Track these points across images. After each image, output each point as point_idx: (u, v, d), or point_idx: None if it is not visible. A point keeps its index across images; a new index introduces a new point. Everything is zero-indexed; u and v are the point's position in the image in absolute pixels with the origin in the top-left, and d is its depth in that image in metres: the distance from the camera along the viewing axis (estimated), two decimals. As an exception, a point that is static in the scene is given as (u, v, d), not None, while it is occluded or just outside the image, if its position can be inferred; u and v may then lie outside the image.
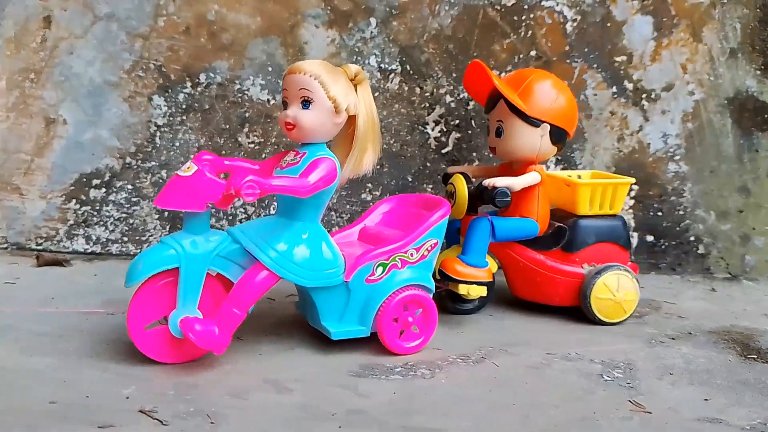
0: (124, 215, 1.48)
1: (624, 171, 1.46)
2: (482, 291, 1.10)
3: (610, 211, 1.20)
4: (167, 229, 1.48)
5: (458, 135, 1.48)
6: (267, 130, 1.48)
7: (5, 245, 1.47)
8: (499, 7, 1.46)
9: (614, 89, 1.47)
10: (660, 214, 1.49)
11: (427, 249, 1.02)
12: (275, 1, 1.47)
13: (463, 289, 1.09)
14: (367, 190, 1.49)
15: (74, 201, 1.47)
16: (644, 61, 1.47)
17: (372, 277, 0.98)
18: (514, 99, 1.14)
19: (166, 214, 1.48)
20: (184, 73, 1.48)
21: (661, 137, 1.48)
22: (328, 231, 1.03)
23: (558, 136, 1.17)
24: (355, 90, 0.99)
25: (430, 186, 1.48)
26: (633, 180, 1.24)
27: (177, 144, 1.48)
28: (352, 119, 0.99)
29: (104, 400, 0.82)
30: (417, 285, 1.00)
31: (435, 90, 1.48)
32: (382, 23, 1.47)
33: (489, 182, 1.12)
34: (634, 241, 1.48)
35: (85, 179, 1.47)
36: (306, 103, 0.94)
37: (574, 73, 1.47)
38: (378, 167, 1.46)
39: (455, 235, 1.21)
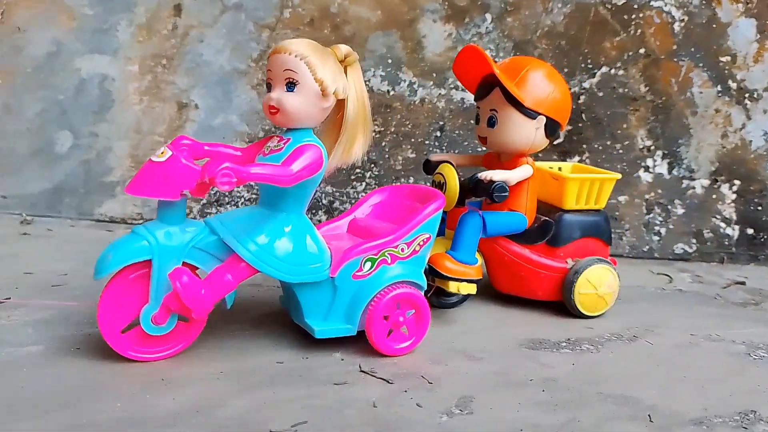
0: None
1: (727, 167, 1.54)
2: (472, 288, 1.06)
3: (595, 206, 1.18)
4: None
5: (569, 127, 1.55)
6: (387, 120, 1.56)
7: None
8: (609, 6, 1.53)
9: (719, 88, 1.54)
10: (760, 208, 1.57)
11: (419, 244, 0.96)
12: (395, -5, 1.54)
13: (453, 287, 1.05)
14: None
15: (205, 182, 1.55)
16: (747, 61, 1.54)
17: (360, 273, 0.92)
18: (513, 89, 1.09)
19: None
20: (308, 62, 1.55)
21: (762, 135, 1.55)
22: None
23: (552, 129, 1.13)
24: (345, 73, 0.92)
25: (542, 176, 1.55)
26: (619, 175, 1.21)
27: (301, 130, 1.56)
28: (341, 104, 0.92)
29: (322, 361, 0.90)
30: (408, 282, 0.95)
31: (547, 84, 1.55)
32: (497, 19, 1.54)
33: (485, 175, 1.07)
34: (735, 233, 1.56)
35: (215, 162, 1.55)
36: (291, 86, 0.87)
37: (680, 71, 1.54)
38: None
39: (439, 227, 1.14)
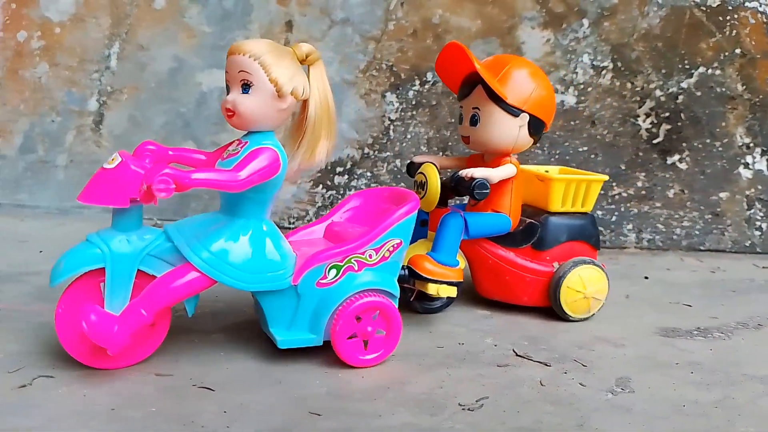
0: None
1: (826, 160, 1.57)
2: (452, 291, 1.03)
3: (582, 208, 1.15)
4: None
5: (668, 126, 1.60)
6: (490, 123, 1.63)
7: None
8: (704, 8, 1.58)
9: (816, 84, 1.58)
10: None
11: (388, 250, 0.91)
12: (494, 4, 1.61)
13: (432, 289, 1.01)
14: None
15: (321, 186, 1.65)
16: (844, 57, 1.57)
17: (324, 281, 0.88)
18: (495, 85, 1.05)
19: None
20: (412, 72, 1.63)
21: None
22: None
23: (536, 127, 1.09)
24: (308, 73, 0.89)
25: (643, 174, 1.61)
26: (606, 177, 1.18)
27: (408, 136, 1.64)
28: (306, 105, 0.89)
29: (478, 347, 0.97)
30: (377, 290, 0.90)
31: (645, 85, 1.60)
32: (593, 24, 1.60)
33: (466, 173, 1.04)
34: (836, 225, 1.59)
35: (329, 167, 1.64)
36: (246, 87, 0.84)
37: (778, 69, 1.58)
38: (591, 156, 1.61)
39: (420, 228, 1.13)
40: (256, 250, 0.85)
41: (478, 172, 1.04)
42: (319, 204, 1.65)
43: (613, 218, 1.61)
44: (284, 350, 0.90)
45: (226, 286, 0.84)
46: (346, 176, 1.64)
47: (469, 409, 0.79)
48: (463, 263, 1.08)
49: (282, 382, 0.84)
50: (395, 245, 0.91)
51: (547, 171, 1.22)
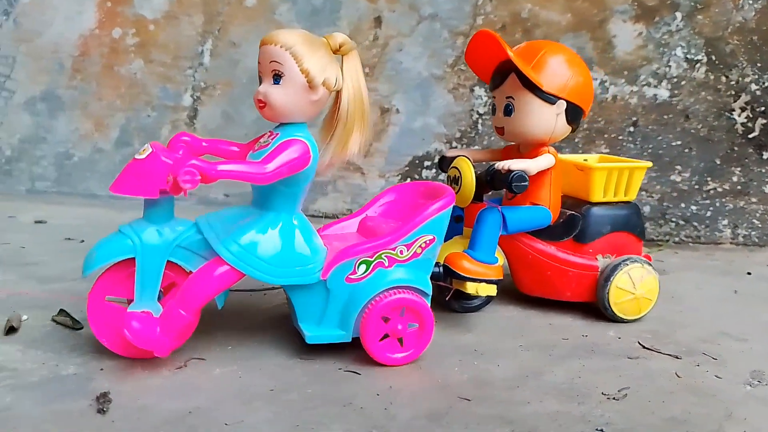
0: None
1: None
2: (492, 290, 0.98)
3: (624, 197, 1.09)
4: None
5: (764, 121, 1.58)
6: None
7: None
8: (803, 0, 1.55)
9: None
10: None
11: (420, 246, 0.88)
12: (584, -2, 1.61)
13: (471, 288, 0.97)
14: (677, 171, 1.60)
15: (408, 180, 1.67)
16: None
17: (353, 276, 0.86)
18: (529, 72, 1.01)
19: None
20: (501, 66, 1.64)
21: None
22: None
23: (574, 114, 1.04)
24: (342, 64, 0.86)
25: (738, 169, 1.58)
26: (650, 164, 1.12)
27: (497, 130, 1.65)
28: (339, 97, 0.87)
29: (601, 339, 0.98)
30: (409, 288, 0.87)
31: (740, 79, 1.58)
32: (687, 17, 1.59)
33: (502, 165, 0.99)
34: None
35: (417, 161, 1.66)
36: (277, 78, 0.82)
37: None
38: (685, 151, 1.59)
39: (456, 225, 1.08)
40: (285, 244, 0.84)
41: (515, 164, 0.99)
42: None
43: (708, 213, 1.59)
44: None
45: (254, 279, 0.83)
46: (434, 170, 1.65)
47: (614, 399, 0.80)
48: (501, 259, 1.04)
49: (422, 368, 0.86)
50: (428, 241, 0.89)
51: (585, 160, 1.17)
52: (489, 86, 1.11)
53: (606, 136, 1.62)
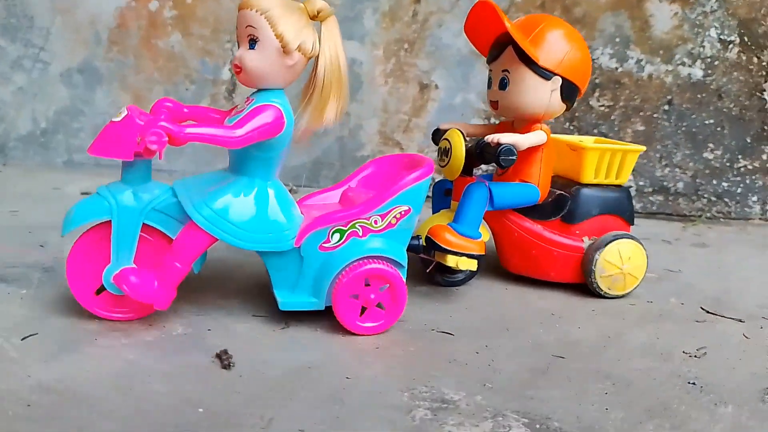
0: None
1: None
2: (472, 264, 0.98)
3: (616, 180, 1.08)
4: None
5: (795, 101, 1.63)
6: (616, 95, 1.66)
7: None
8: (834, -17, 1.60)
9: None
10: None
11: (395, 216, 0.87)
12: (622, -22, 1.64)
13: (451, 261, 0.97)
14: (709, 149, 1.65)
15: (449, 155, 1.70)
16: None
17: (327, 245, 0.86)
18: (526, 46, 0.99)
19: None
20: (540, 43, 1.67)
21: None
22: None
23: (569, 91, 1.03)
24: (320, 30, 0.85)
25: (769, 147, 1.64)
26: (643, 148, 1.11)
27: (535, 107, 1.68)
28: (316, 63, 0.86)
29: (666, 306, 1.03)
30: (383, 258, 0.87)
31: (772, 59, 1.63)
32: (721, -2, 1.63)
33: (492, 138, 0.98)
34: None
35: (457, 137, 1.70)
36: (252, 43, 0.82)
37: None
38: (718, 129, 1.64)
39: (444, 198, 1.10)
40: (259, 209, 0.84)
41: (504, 138, 0.98)
42: (449, 172, 1.70)
43: (739, 190, 1.64)
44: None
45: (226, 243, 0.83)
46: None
47: (695, 356, 0.85)
48: (487, 235, 1.04)
49: (509, 330, 0.90)
50: (403, 212, 0.88)
51: (581, 141, 1.15)
52: (486, 59, 1.09)
53: (642, 114, 1.66)
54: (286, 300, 0.86)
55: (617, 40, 1.65)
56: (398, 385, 0.73)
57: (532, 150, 1.02)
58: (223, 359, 0.74)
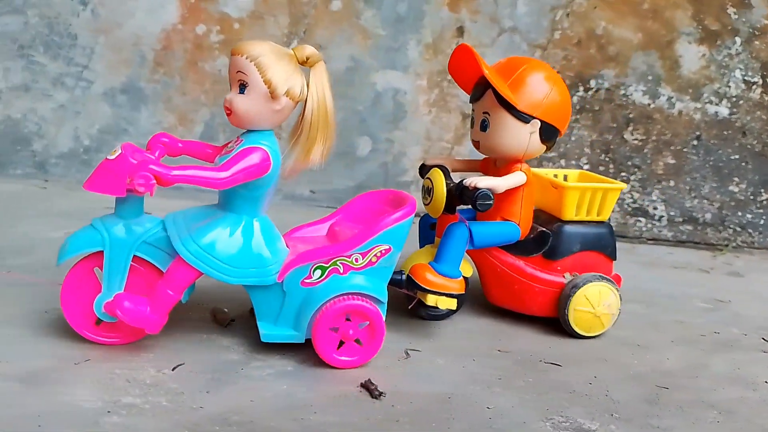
0: None
1: None
2: (451, 304, 1.00)
3: (597, 217, 1.10)
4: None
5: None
6: (648, 130, 1.76)
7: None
8: None
9: None
10: None
11: (375, 255, 0.90)
12: (654, 19, 1.74)
13: (431, 300, 0.99)
14: (734, 182, 1.76)
15: (491, 183, 1.77)
16: None
17: (308, 280, 0.89)
18: (504, 90, 1.01)
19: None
20: (576, 79, 1.76)
21: None
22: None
23: (548, 134, 1.05)
24: (309, 75, 0.89)
25: (787, 182, 1.76)
26: (624, 186, 1.13)
27: (573, 138, 1.77)
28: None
29: (728, 335, 1.11)
30: (363, 294, 0.90)
31: (791, 100, 1.75)
32: (745, 42, 1.74)
33: (470, 182, 0.99)
34: None
35: (499, 165, 1.77)
36: (242, 87, 0.86)
37: None
38: (742, 164, 1.75)
39: (429, 232, 1.14)
40: (244, 244, 0.88)
41: (482, 182, 0.99)
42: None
43: (762, 221, 1.76)
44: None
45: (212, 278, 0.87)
46: (515, 174, 1.76)
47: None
48: (470, 270, 1.08)
49: (607, 360, 0.97)
50: (383, 251, 0.91)
51: (566, 177, 1.19)
52: (469, 99, 1.11)
53: (672, 148, 1.76)
54: (268, 332, 0.90)
55: (649, 78, 1.75)
56: (536, 414, 0.79)
57: (513, 190, 1.04)
58: (371, 389, 0.79)
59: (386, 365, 0.89)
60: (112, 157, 0.84)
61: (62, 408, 0.72)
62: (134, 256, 0.87)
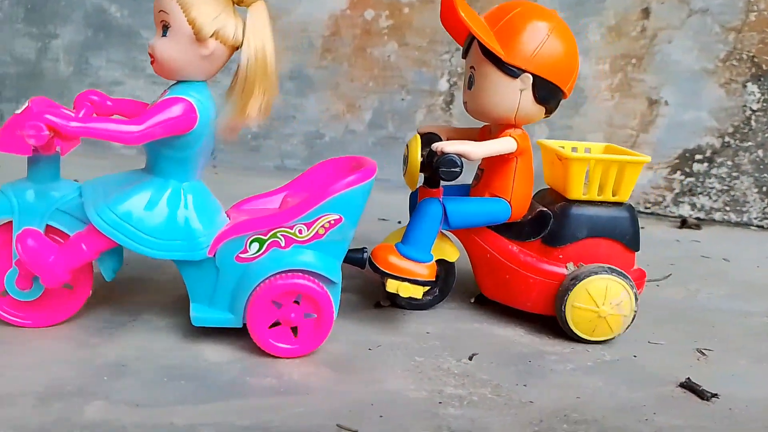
0: (725, 188, 1.67)
1: None
2: (416, 292, 0.85)
3: (612, 197, 0.90)
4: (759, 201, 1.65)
5: None
6: None
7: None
8: None
9: None
10: None
11: (322, 226, 0.77)
12: None
13: (391, 286, 0.84)
14: None
15: (679, 172, 1.67)
16: None
17: (244, 255, 0.77)
18: (488, 39, 0.84)
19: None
20: (774, 63, 1.64)
21: None
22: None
23: (545, 92, 0.86)
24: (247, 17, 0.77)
25: None
26: (648, 159, 0.91)
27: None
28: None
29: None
30: (309, 272, 0.77)
31: None
32: None
33: (438, 146, 0.84)
34: None
35: (687, 154, 1.66)
36: (165, 30, 0.75)
37: None
38: None
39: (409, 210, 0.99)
40: (169, 214, 0.77)
41: (450, 146, 0.83)
42: (677, 190, 1.67)
43: None
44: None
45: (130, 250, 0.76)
46: (706, 164, 1.65)
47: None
48: (456, 254, 0.92)
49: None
50: (332, 222, 0.77)
51: (589, 150, 0.99)
52: (461, 54, 0.96)
53: None
54: (200, 315, 0.78)
55: None
56: None
57: (504, 160, 0.88)
58: (698, 391, 0.73)
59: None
60: (19, 111, 0.74)
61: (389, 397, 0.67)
62: (48, 225, 0.77)
